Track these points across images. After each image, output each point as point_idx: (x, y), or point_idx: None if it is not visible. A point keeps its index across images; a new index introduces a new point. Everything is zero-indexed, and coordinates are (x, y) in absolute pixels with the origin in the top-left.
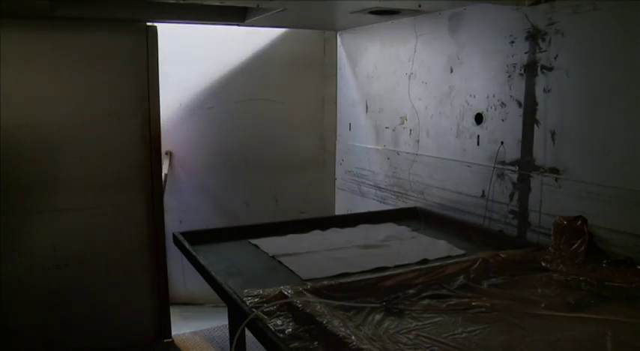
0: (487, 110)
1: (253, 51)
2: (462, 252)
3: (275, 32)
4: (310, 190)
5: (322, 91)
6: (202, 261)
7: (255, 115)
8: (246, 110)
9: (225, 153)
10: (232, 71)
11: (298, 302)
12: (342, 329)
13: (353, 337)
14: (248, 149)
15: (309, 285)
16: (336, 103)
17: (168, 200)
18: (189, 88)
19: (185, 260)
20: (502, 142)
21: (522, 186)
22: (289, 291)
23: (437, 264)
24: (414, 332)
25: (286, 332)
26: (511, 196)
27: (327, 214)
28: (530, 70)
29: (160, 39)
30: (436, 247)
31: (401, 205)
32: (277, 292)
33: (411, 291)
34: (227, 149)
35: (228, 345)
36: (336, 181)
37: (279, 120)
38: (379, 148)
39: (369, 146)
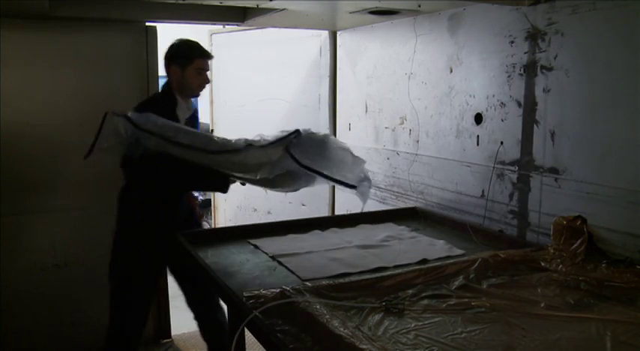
0: (487, 110)
1: (267, 52)
2: (461, 252)
3: (276, 32)
4: None
5: (318, 90)
6: (202, 261)
7: (272, 113)
8: (266, 108)
9: None
10: (254, 72)
11: (298, 302)
12: (342, 329)
13: (353, 338)
14: None
15: (308, 285)
16: (329, 103)
17: None
18: (227, 89)
19: None
20: (502, 142)
21: (522, 186)
22: (289, 291)
23: (436, 264)
24: (413, 332)
25: (286, 332)
26: (511, 196)
27: (322, 209)
28: (530, 70)
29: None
30: (435, 247)
31: (400, 205)
32: (277, 292)
33: (410, 291)
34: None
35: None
36: None
37: (288, 118)
38: (379, 148)
39: (369, 146)
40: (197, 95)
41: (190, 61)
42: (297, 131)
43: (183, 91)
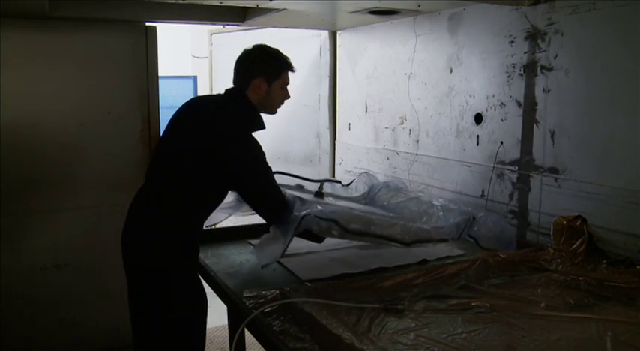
0: (487, 110)
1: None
2: (461, 252)
3: (276, 32)
4: None
5: (318, 90)
6: (202, 261)
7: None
8: None
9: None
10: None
11: (298, 302)
12: (342, 329)
13: (353, 338)
14: (271, 142)
15: (308, 285)
16: (329, 103)
17: None
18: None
19: None
20: (502, 142)
21: (522, 186)
22: (289, 291)
23: (437, 264)
24: (413, 332)
25: (286, 332)
26: (510, 196)
27: None
28: (530, 70)
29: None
30: (436, 247)
31: None
32: (277, 292)
33: (410, 291)
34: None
35: (228, 345)
36: None
37: (288, 118)
38: (379, 148)
39: (369, 146)
40: (274, 113)
41: (278, 74)
42: (473, 218)
43: (263, 107)
